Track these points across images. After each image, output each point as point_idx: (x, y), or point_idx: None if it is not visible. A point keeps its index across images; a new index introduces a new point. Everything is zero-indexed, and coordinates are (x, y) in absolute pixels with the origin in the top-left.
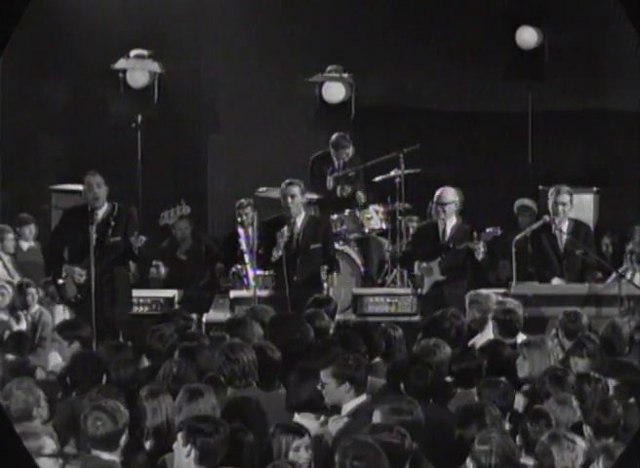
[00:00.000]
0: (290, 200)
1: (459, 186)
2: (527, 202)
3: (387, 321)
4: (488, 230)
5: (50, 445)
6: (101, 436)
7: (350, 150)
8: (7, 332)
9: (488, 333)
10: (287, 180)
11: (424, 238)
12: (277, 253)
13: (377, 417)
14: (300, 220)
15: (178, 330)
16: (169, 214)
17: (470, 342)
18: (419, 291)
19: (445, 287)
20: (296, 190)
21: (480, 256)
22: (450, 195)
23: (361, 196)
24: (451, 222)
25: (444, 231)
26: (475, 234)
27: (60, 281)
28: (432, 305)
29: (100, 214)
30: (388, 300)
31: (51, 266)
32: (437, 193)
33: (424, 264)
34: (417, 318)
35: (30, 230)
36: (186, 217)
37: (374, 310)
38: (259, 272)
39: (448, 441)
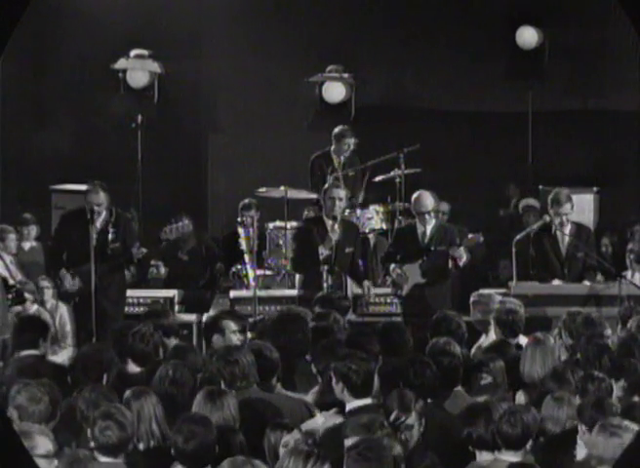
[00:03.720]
0: (338, 203)
1: (458, 186)
2: (532, 202)
3: (387, 321)
4: (470, 235)
5: (43, 444)
6: (109, 444)
7: (352, 141)
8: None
9: (492, 335)
10: (333, 182)
11: (404, 240)
12: (325, 251)
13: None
14: (337, 224)
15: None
16: (170, 230)
17: (477, 344)
18: (398, 292)
19: (426, 289)
20: (343, 194)
21: (462, 263)
22: (428, 202)
23: (359, 196)
24: (430, 224)
25: (424, 233)
26: (457, 239)
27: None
28: (413, 307)
29: (100, 221)
30: (388, 300)
31: (52, 270)
32: (414, 198)
33: (400, 269)
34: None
35: (31, 230)
36: (192, 218)
37: (374, 310)
38: (259, 272)
39: (446, 440)
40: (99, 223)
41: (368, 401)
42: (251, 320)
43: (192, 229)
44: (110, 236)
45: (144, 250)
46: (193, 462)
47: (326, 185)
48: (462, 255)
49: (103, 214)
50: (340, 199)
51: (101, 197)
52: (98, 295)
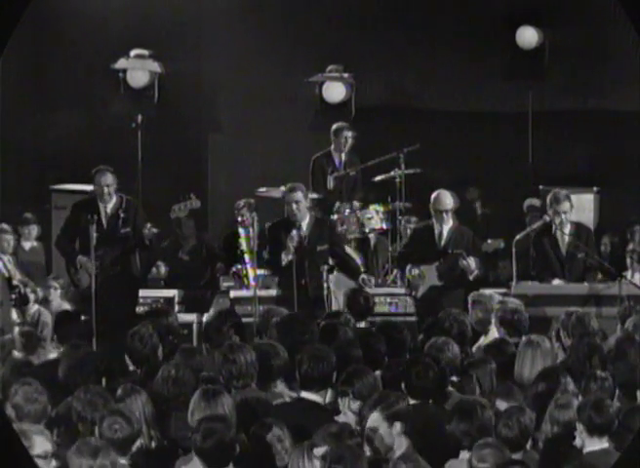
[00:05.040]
0: (295, 206)
1: (458, 187)
2: (535, 202)
3: (387, 321)
4: (490, 241)
5: (41, 444)
6: (117, 439)
7: (350, 134)
8: (17, 329)
9: (493, 335)
10: (288, 186)
11: (421, 241)
12: (287, 258)
13: (373, 421)
14: (305, 223)
15: (166, 327)
16: (179, 208)
17: (476, 344)
18: (412, 292)
19: (442, 292)
20: (300, 196)
21: (472, 276)
22: (447, 200)
23: (356, 204)
24: (447, 225)
25: (440, 234)
26: (472, 242)
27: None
28: (428, 307)
29: (110, 207)
30: (388, 300)
31: (66, 257)
32: (433, 196)
33: (419, 269)
34: (413, 318)
35: (32, 230)
36: (193, 217)
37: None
38: (259, 272)
39: (434, 440)
40: (109, 209)
41: (310, 395)
42: (251, 320)
43: (200, 206)
44: (121, 221)
45: (155, 230)
46: (213, 460)
47: (284, 187)
48: (473, 269)
49: (114, 199)
50: (298, 201)
51: (110, 178)
52: (106, 285)
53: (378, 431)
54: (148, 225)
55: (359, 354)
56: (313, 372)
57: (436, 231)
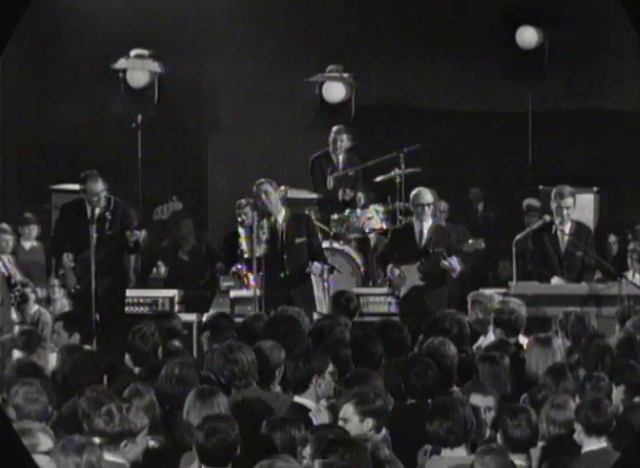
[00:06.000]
0: (264, 197)
1: (458, 186)
2: (534, 202)
3: (386, 320)
4: (471, 241)
5: (45, 442)
6: (111, 433)
7: (345, 137)
8: (17, 328)
9: (492, 335)
10: (257, 182)
11: (401, 240)
12: (259, 250)
13: (345, 412)
14: (280, 217)
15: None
16: (162, 210)
17: (476, 344)
18: (395, 292)
19: (424, 291)
20: (267, 187)
21: (455, 274)
22: (427, 196)
23: (361, 197)
24: (427, 222)
25: (421, 233)
26: (457, 240)
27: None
28: (410, 308)
29: (98, 208)
30: (388, 300)
31: (56, 259)
32: (413, 193)
33: (400, 269)
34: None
35: (32, 230)
36: (191, 217)
37: (374, 310)
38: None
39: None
40: (97, 210)
41: (298, 398)
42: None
43: (182, 208)
44: (108, 223)
45: (139, 231)
46: (212, 459)
47: (254, 188)
48: (456, 268)
49: (102, 201)
50: (266, 192)
51: (101, 185)
52: (95, 288)
53: (348, 423)
54: (133, 225)
55: (348, 353)
56: (286, 373)
57: (416, 230)
